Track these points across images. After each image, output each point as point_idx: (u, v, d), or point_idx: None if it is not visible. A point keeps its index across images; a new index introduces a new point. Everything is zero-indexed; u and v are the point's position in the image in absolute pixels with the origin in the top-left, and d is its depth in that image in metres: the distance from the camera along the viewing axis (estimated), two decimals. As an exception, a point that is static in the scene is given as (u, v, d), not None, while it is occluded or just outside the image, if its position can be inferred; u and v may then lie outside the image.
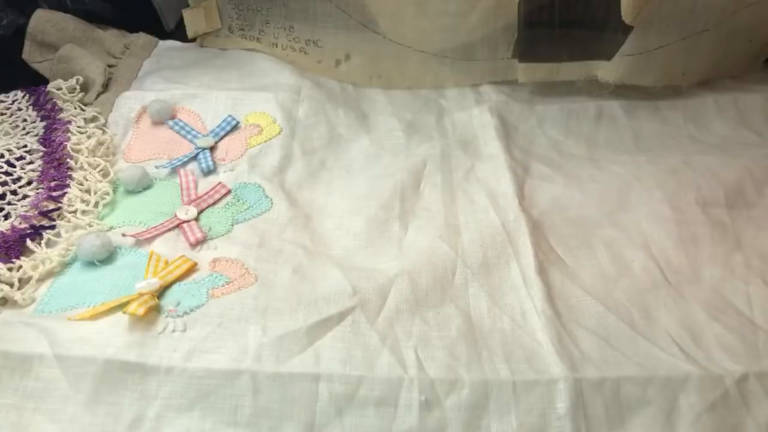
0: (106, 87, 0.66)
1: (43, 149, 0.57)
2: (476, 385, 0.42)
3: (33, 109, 0.62)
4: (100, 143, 0.59)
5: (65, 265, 0.49)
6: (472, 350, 0.44)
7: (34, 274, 0.47)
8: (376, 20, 0.67)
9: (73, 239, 0.50)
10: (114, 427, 0.40)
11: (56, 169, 0.55)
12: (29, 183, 0.54)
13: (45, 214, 0.51)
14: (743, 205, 0.57)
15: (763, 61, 0.71)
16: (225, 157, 0.59)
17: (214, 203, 0.55)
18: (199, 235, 0.51)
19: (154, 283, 0.46)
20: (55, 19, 0.67)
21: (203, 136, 0.61)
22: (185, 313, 0.45)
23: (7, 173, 0.54)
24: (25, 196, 0.53)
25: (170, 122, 0.62)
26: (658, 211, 0.55)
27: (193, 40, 0.73)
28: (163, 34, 0.73)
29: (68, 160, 0.56)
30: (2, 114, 0.62)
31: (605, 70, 0.64)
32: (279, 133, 0.61)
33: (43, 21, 0.67)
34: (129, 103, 0.63)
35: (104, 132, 0.60)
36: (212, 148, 0.60)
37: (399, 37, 0.67)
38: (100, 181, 0.56)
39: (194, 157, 0.59)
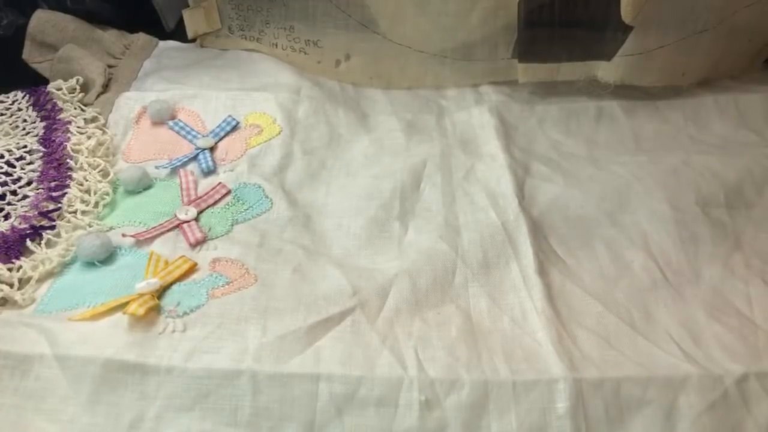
0: (106, 87, 0.66)
1: (43, 149, 0.57)
2: (476, 385, 0.42)
3: (33, 110, 0.62)
4: (100, 143, 0.59)
5: (65, 266, 0.49)
6: (472, 350, 0.44)
7: (34, 275, 0.47)
8: (376, 20, 0.67)
9: (73, 239, 0.50)
10: (114, 427, 0.40)
11: (56, 169, 0.55)
12: (29, 183, 0.54)
13: (45, 214, 0.51)
14: (743, 205, 0.57)
15: (763, 61, 0.71)
16: (225, 158, 0.59)
17: (214, 203, 0.55)
18: (198, 235, 0.51)
19: (153, 283, 0.46)
20: (55, 19, 0.67)
21: (203, 136, 0.61)
22: (185, 313, 0.45)
23: (6, 173, 0.54)
24: (24, 197, 0.53)
25: (170, 122, 0.62)
26: (658, 211, 0.55)
27: (193, 40, 0.73)
28: (163, 35, 0.73)
29: (68, 160, 0.56)
30: (2, 114, 0.62)
31: (605, 70, 0.64)
32: (279, 133, 0.61)
33: (43, 21, 0.67)
34: (129, 103, 0.63)
35: (104, 132, 0.60)
36: (212, 149, 0.60)
37: (399, 37, 0.67)
38: (100, 182, 0.56)
39: (194, 158, 0.59)
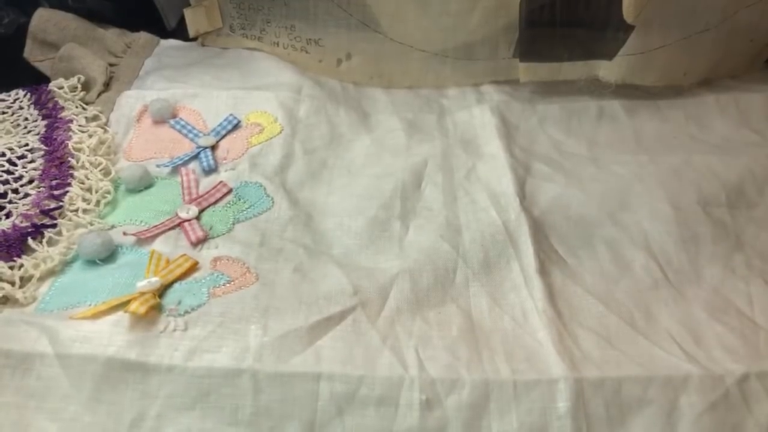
0: (107, 86, 0.66)
1: (45, 148, 0.57)
2: (477, 384, 0.42)
3: (34, 108, 0.62)
4: (102, 142, 0.59)
5: (66, 264, 0.49)
6: (473, 350, 0.44)
7: (36, 273, 0.47)
8: (377, 19, 0.67)
9: (75, 238, 0.50)
10: (115, 426, 0.40)
11: (57, 167, 0.56)
12: (31, 181, 0.54)
13: (46, 212, 0.51)
14: (744, 204, 0.57)
15: (764, 60, 0.71)
16: (226, 156, 0.59)
17: (215, 202, 0.55)
18: (200, 233, 0.51)
19: (155, 282, 0.46)
20: (56, 18, 0.67)
21: (204, 135, 0.61)
22: (186, 312, 0.45)
23: (8, 172, 0.54)
24: (26, 195, 0.53)
25: (171, 121, 0.62)
26: (659, 211, 0.55)
27: (195, 39, 0.73)
28: (164, 33, 0.73)
29: (69, 158, 0.56)
30: (4, 113, 0.62)
31: (606, 70, 0.64)
32: (280, 133, 0.61)
33: (44, 20, 0.67)
34: (130, 102, 0.63)
35: (105, 131, 0.60)
36: (213, 147, 0.60)
37: (400, 37, 0.67)
38: (102, 180, 0.56)
39: (195, 156, 0.59)
